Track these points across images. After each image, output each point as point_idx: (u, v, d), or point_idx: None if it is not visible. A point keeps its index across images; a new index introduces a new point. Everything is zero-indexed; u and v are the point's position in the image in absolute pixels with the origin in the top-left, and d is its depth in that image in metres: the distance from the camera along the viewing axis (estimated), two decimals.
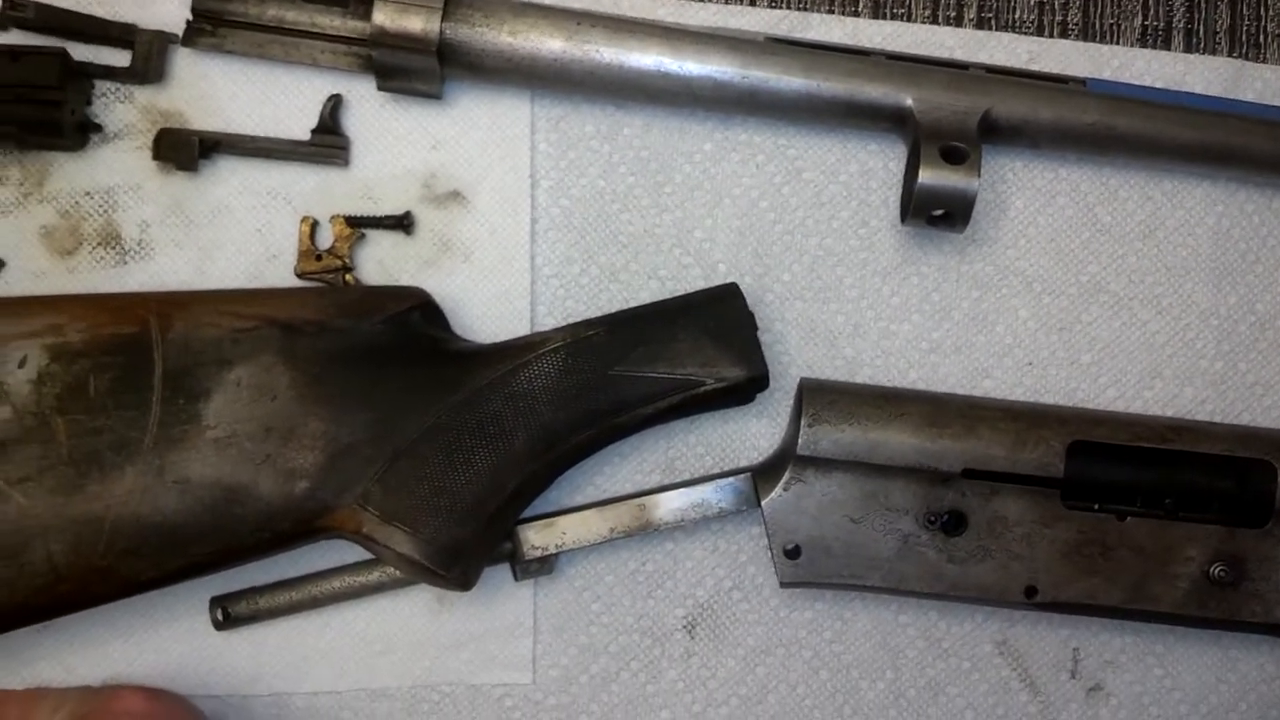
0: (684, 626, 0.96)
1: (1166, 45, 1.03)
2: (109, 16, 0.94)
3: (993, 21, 1.02)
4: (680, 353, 0.90)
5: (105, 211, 0.94)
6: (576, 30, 0.92)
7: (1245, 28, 1.03)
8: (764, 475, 0.92)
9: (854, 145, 0.99)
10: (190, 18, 0.94)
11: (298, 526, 0.85)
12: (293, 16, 0.93)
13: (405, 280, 0.95)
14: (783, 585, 0.91)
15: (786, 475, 0.90)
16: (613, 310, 0.93)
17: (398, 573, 0.90)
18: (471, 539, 0.86)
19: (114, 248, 0.94)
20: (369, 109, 0.96)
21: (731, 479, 0.92)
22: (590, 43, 0.92)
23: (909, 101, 0.93)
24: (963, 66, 0.95)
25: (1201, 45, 1.03)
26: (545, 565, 0.92)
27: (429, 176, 0.96)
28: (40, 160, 0.94)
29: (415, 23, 0.90)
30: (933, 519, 0.90)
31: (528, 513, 0.91)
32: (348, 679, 0.94)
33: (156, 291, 0.92)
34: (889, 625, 0.96)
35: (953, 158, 0.91)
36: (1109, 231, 1.00)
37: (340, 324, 0.88)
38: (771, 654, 0.96)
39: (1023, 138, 0.95)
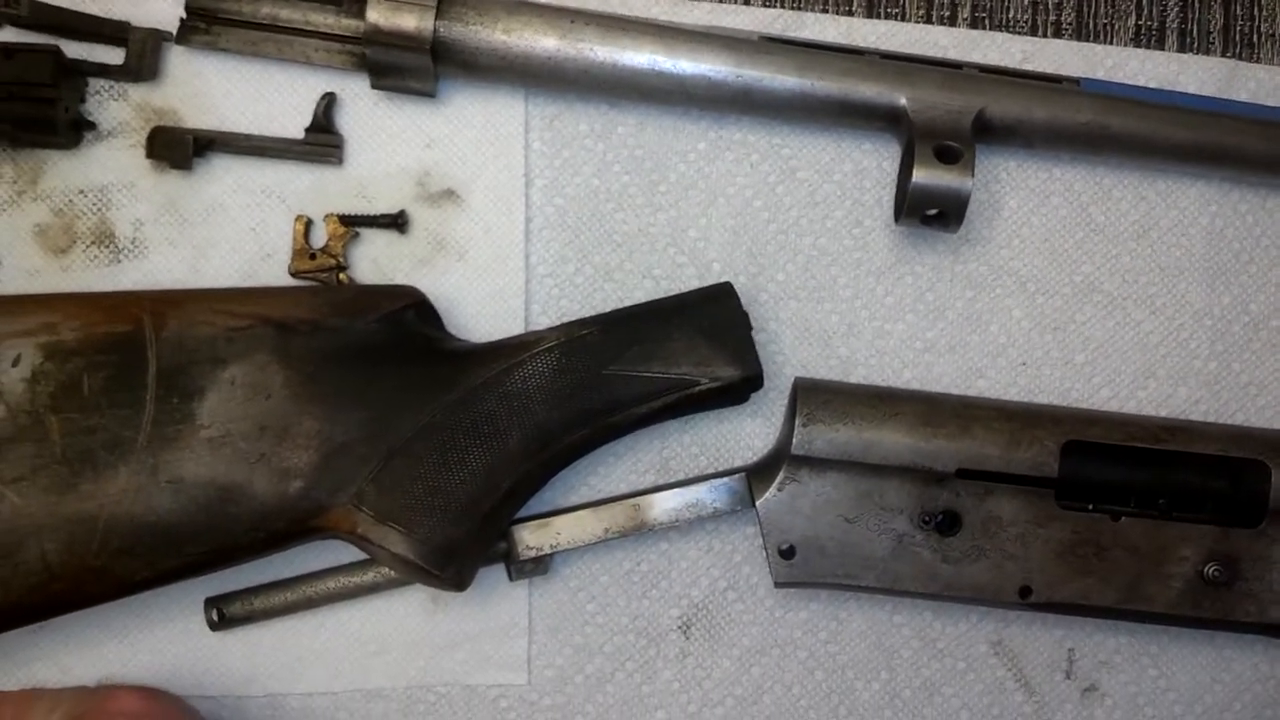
0: (679, 627, 0.96)
1: (1160, 45, 1.03)
2: (103, 14, 0.94)
3: (986, 21, 1.02)
4: (675, 352, 0.90)
5: (99, 210, 0.94)
6: (570, 28, 0.92)
7: (1239, 28, 1.03)
8: (758, 475, 0.92)
9: (848, 144, 0.98)
10: (184, 15, 0.94)
11: (292, 526, 0.85)
12: (286, 14, 0.93)
13: (399, 279, 0.95)
14: (777, 585, 0.91)
15: (781, 475, 0.90)
16: (607, 309, 0.93)
17: (392, 573, 0.90)
18: (466, 539, 0.85)
19: (108, 246, 0.94)
20: (363, 107, 0.96)
21: (726, 479, 0.92)
22: (584, 41, 0.92)
23: (903, 101, 0.93)
24: (957, 66, 0.95)
25: (1195, 45, 1.03)
26: (540, 565, 0.92)
27: (423, 175, 0.96)
28: (34, 158, 0.94)
29: (409, 21, 0.90)
30: (927, 519, 0.90)
31: (523, 513, 0.91)
32: (343, 679, 0.94)
33: (150, 290, 0.91)
34: (884, 625, 0.96)
35: (946, 157, 0.91)
36: (1103, 231, 1.00)
37: (334, 323, 0.88)
38: (767, 654, 0.96)
39: (1017, 137, 0.95)
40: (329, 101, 0.95)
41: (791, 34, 0.98)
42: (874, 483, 0.90)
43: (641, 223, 0.97)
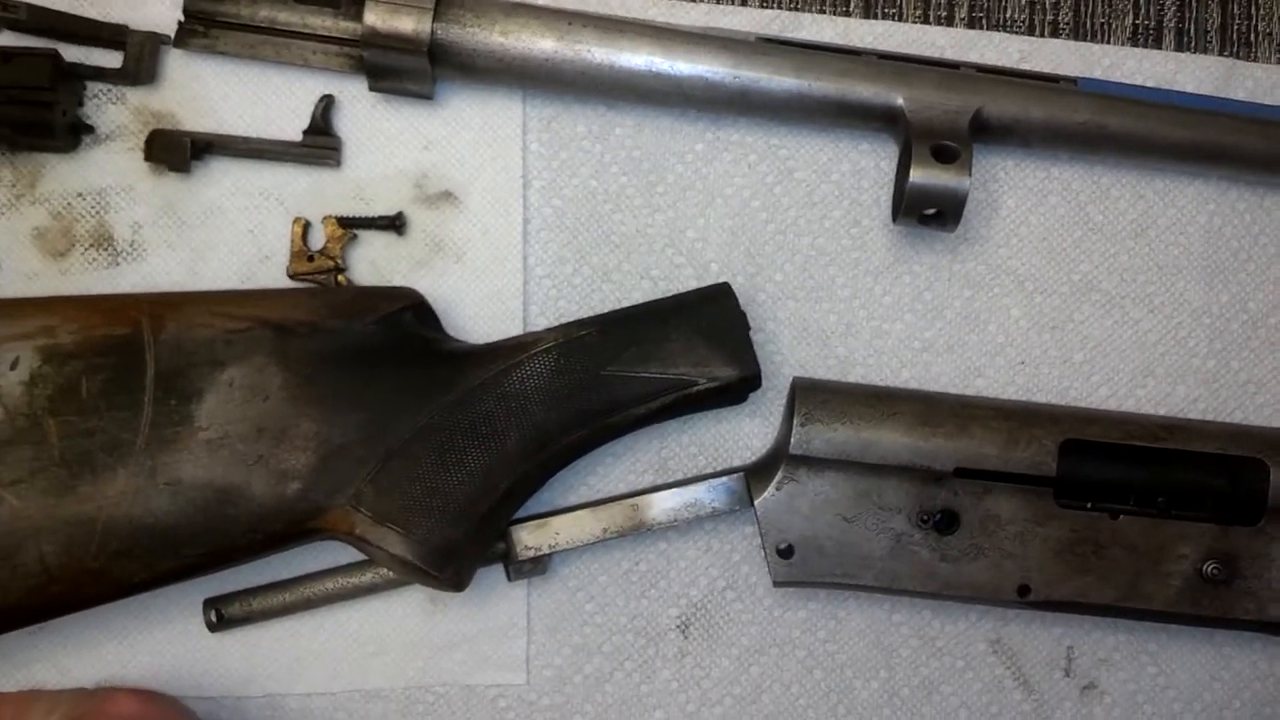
0: (678, 626, 0.96)
1: (1158, 44, 1.03)
2: (101, 18, 0.94)
3: (984, 21, 1.02)
4: (672, 352, 0.90)
5: (97, 213, 0.94)
6: (568, 30, 0.92)
7: (1236, 26, 1.03)
8: (757, 475, 0.92)
9: (845, 145, 0.99)
10: (182, 19, 0.94)
11: (290, 528, 0.85)
12: (284, 17, 0.93)
13: (397, 281, 0.95)
14: (776, 585, 0.91)
15: (779, 475, 0.90)
16: (605, 310, 0.93)
17: (391, 574, 0.90)
18: (464, 539, 0.85)
19: (106, 249, 0.94)
20: (361, 109, 0.96)
21: (724, 479, 0.92)
22: (581, 43, 0.92)
23: (900, 101, 0.93)
24: (954, 66, 0.95)
25: (1192, 44, 1.03)
26: (539, 565, 0.92)
27: (421, 177, 0.96)
28: (32, 162, 0.94)
29: (406, 23, 0.90)
30: (925, 518, 0.90)
31: (521, 513, 0.91)
32: (341, 680, 0.94)
33: (148, 293, 0.92)
34: (883, 624, 0.96)
35: (944, 157, 0.91)
36: (1101, 230, 1.00)
37: (332, 325, 0.88)
38: (765, 653, 0.96)
39: (1014, 137, 0.96)
40: (327, 104, 0.95)
41: (788, 35, 0.98)
42: (872, 482, 0.90)
43: (639, 223, 0.97)
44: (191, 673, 0.92)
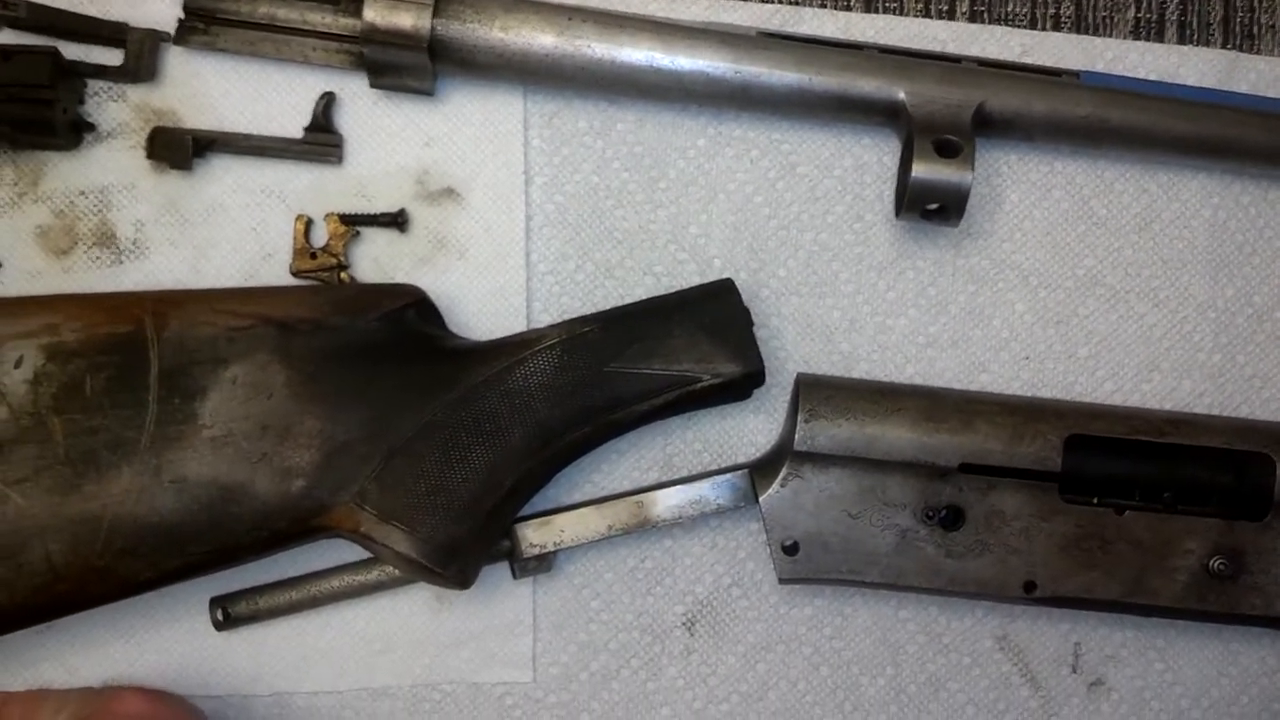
0: (683, 623, 0.96)
1: (1160, 37, 1.02)
2: (101, 15, 0.94)
3: (985, 15, 1.01)
4: (676, 349, 0.90)
5: (100, 211, 0.94)
6: (568, 25, 0.92)
7: (1239, 19, 1.03)
8: (761, 471, 0.92)
9: (848, 140, 0.98)
10: (182, 16, 0.94)
11: (294, 525, 0.85)
12: (284, 14, 0.93)
13: (400, 278, 0.95)
14: (781, 581, 0.91)
15: (784, 471, 0.90)
16: (608, 307, 0.93)
17: (396, 571, 0.90)
18: (469, 537, 0.85)
19: (109, 247, 0.94)
20: (362, 106, 0.96)
21: (729, 475, 0.92)
22: (582, 38, 0.92)
23: (902, 95, 0.93)
24: (956, 60, 0.95)
25: (1195, 37, 1.03)
26: (544, 563, 0.92)
27: (422, 173, 0.96)
28: (34, 160, 0.94)
29: (406, 19, 0.90)
30: (930, 514, 0.90)
31: (526, 510, 0.91)
32: (348, 678, 0.94)
33: (151, 290, 0.91)
34: (889, 621, 0.96)
35: (946, 151, 0.90)
36: (1105, 224, 1.00)
37: (335, 322, 0.88)
38: (771, 650, 0.96)
39: (1017, 131, 0.95)
40: (328, 101, 0.95)
41: (790, 29, 0.97)
42: (877, 478, 0.90)
43: (642, 219, 0.97)
44: (198, 671, 0.92)
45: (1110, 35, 1.02)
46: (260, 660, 0.93)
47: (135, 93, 0.95)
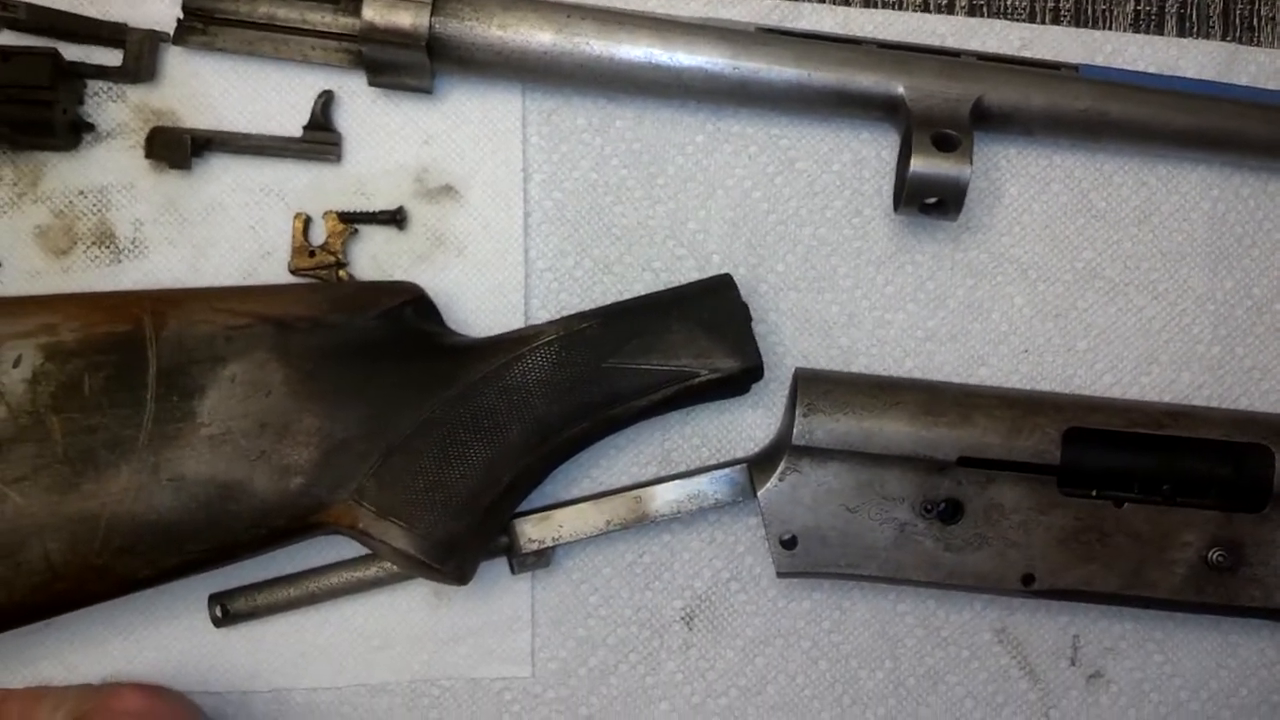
0: (682, 618, 0.96)
1: (1159, 30, 1.02)
2: (100, 16, 0.94)
3: (984, 8, 1.01)
4: (674, 344, 0.90)
5: (99, 211, 0.94)
6: (566, 23, 0.92)
7: (1239, 11, 1.03)
8: (759, 466, 0.92)
9: (846, 134, 0.98)
10: (181, 16, 0.94)
11: (293, 523, 0.85)
12: (283, 13, 0.93)
13: (399, 275, 0.95)
14: (780, 575, 0.91)
15: (782, 465, 0.90)
16: (607, 303, 0.93)
17: (395, 568, 0.90)
18: (467, 533, 0.86)
19: (108, 247, 0.94)
20: (360, 104, 0.96)
21: (727, 470, 0.92)
22: (580, 35, 0.92)
23: (901, 90, 0.93)
24: (954, 54, 0.95)
25: (1194, 29, 1.02)
26: (542, 558, 0.92)
27: (421, 171, 0.96)
28: (33, 160, 0.94)
29: (404, 18, 0.90)
30: (929, 507, 0.90)
31: (524, 506, 0.91)
32: (347, 674, 0.94)
33: (150, 290, 0.92)
34: (887, 614, 0.96)
35: (945, 145, 0.90)
36: (1104, 217, 0.99)
37: (334, 320, 0.88)
38: (770, 644, 0.96)
39: (1015, 124, 0.95)
40: (326, 99, 0.95)
41: (788, 24, 0.97)
42: (875, 472, 0.90)
43: (640, 216, 0.97)
44: (197, 668, 0.93)
45: (1109, 28, 1.02)
46: (259, 657, 0.93)
47: (134, 93, 0.95)
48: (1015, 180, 0.99)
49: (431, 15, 0.90)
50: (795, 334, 0.97)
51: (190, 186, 0.95)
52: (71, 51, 0.93)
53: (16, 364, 0.84)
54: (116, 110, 0.95)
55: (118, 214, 0.94)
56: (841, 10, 0.99)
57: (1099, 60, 1.00)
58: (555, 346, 0.89)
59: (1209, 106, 0.96)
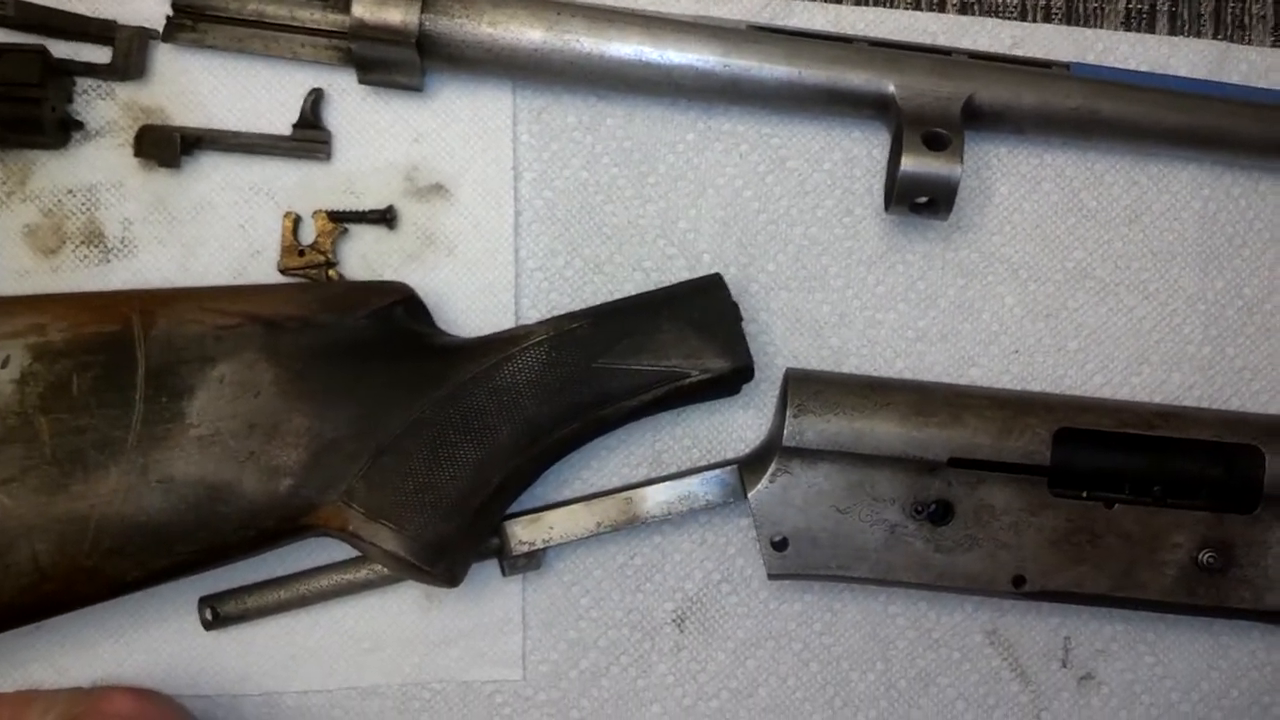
0: (673, 620, 0.96)
1: (1151, 28, 1.02)
2: (89, 13, 0.94)
3: (976, 7, 1.01)
4: (664, 345, 0.89)
5: (88, 209, 0.94)
6: (556, 20, 0.91)
7: (1230, 9, 1.02)
8: (750, 467, 0.91)
9: (837, 133, 0.98)
10: (170, 13, 0.93)
11: (282, 524, 0.85)
12: (272, 10, 0.93)
13: (388, 275, 0.95)
14: (771, 577, 0.91)
15: (773, 467, 0.90)
16: (597, 302, 0.93)
17: (385, 570, 0.90)
18: (457, 534, 0.85)
19: (97, 246, 0.94)
20: (350, 102, 0.96)
21: (717, 471, 0.92)
22: (570, 32, 0.91)
23: (892, 88, 0.93)
24: (945, 52, 0.95)
25: (1186, 28, 1.02)
26: (533, 560, 0.92)
27: (411, 170, 0.96)
28: (22, 159, 0.94)
29: (394, 15, 0.89)
30: (919, 509, 0.90)
31: (515, 508, 0.91)
32: (337, 677, 0.94)
33: (138, 289, 0.91)
34: (879, 616, 0.96)
35: (935, 144, 0.90)
36: (1095, 217, 0.99)
37: (323, 319, 0.88)
38: (761, 646, 0.96)
39: (1006, 123, 0.95)
40: (316, 97, 0.95)
41: (779, 22, 0.97)
42: (866, 473, 0.90)
43: (631, 215, 0.97)
44: (187, 671, 0.92)
45: (1101, 26, 1.02)
46: (249, 659, 0.93)
47: (123, 90, 0.95)
48: (1006, 179, 0.99)
49: (421, 12, 0.90)
50: (786, 334, 0.97)
51: (179, 185, 0.95)
52: (60, 49, 0.93)
53: (5, 364, 0.84)
54: (105, 108, 0.94)
55: (107, 213, 0.94)
56: (833, 8, 0.99)
57: (1090, 58, 0.99)
58: (545, 347, 0.89)
59: (1200, 105, 0.96)
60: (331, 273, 0.94)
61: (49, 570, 0.82)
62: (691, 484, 0.92)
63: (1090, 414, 0.91)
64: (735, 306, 0.91)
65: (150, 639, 0.92)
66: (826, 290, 0.97)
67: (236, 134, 0.94)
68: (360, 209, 0.95)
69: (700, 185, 0.98)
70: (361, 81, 0.94)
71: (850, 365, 0.97)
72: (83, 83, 0.94)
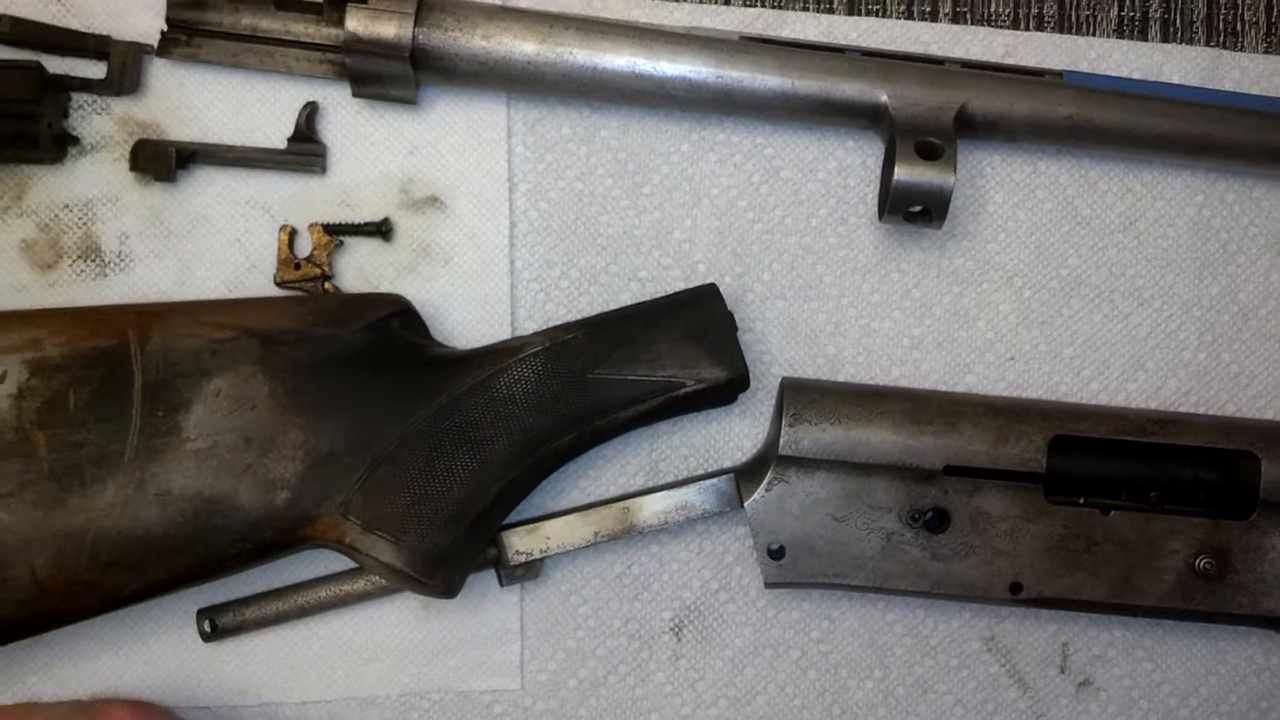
0: (671, 629, 0.96)
1: (1143, 36, 1.02)
2: (84, 29, 0.94)
3: (968, 16, 1.01)
4: (660, 354, 0.90)
5: (84, 224, 0.94)
6: (549, 33, 0.92)
7: (1222, 16, 1.03)
8: (746, 476, 0.92)
9: (831, 143, 0.98)
10: (165, 28, 0.94)
11: (279, 536, 0.85)
12: (267, 25, 0.93)
13: (384, 287, 0.95)
14: (768, 586, 0.91)
15: (769, 475, 0.90)
16: (593, 313, 0.93)
17: (383, 581, 0.90)
18: (454, 545, 0.85)
19: (94, 260, 0.94)
20: (345, 116, 0.96)
21: (714, 480, 0.92)
22: (564, 45, 0.92)
23: (885, 98, 0.93)
24: (938, 62, 0.95)
25: (1178, 35, 1.02)
26: (531, 570, 0.92)
27: (406, 182, 0.96)
28: (18, 174, 0.94)
29: (388, 29, 0.90)
30: (916, 517, 0.90)
31: (512, 518, 0.91)
32: (336, 688, 0.94)
33: (134, 304, 0.91)
34: (876, 624, 0.96)
35: (928, 154, 0.90)
36: (1089, 224, 0.99)
37: (319, 332, 0.88)
38: (759, 655, 0.96)
39: (1000, 132, 0.95)
40: (311, 111, 0.95)
41: (772, 33, 0.97)
42: (862, 481, 0.90)
43: (626, 225, 0.97)
44: (186, 683, 0.93)
45: (1093, 34, 1.02)
46: (248, 671, 0.93)
47: (119, 105, 0.95)
48: (1000, 188, 0.99)
49: (415, 26, 0.90)
50: (781, 343, 0.97)
51: (175, 199, 0.95)
52: (55, 64, 0.93)
53: (1, 380, 0.84)
54: (101, 123, 0.95)
55: (103, 227, 0.94)
56: (825, 18, 0.99)
57: (1083, 66, 1.00)
58: (541, 358, 0.89)
59: (1193, 112, 0.96)
60: (327, 285, 0.94)
61: (48, 584, 0.82)
62: (688, 493, 0.92)
63: (1086, 421, 0.91)
64: (730, 316, 0.91)
65: (149, 651, 0.92)
66: (822, 299, 0.98)
67: (231, 148, 0.95)
68: (356, 222, 0.95)
69: (695, 195, 0.98)
70: (356, 95, 0.94)
71: (846, 374, 0.97)
72: (78, 98, 0.94)
